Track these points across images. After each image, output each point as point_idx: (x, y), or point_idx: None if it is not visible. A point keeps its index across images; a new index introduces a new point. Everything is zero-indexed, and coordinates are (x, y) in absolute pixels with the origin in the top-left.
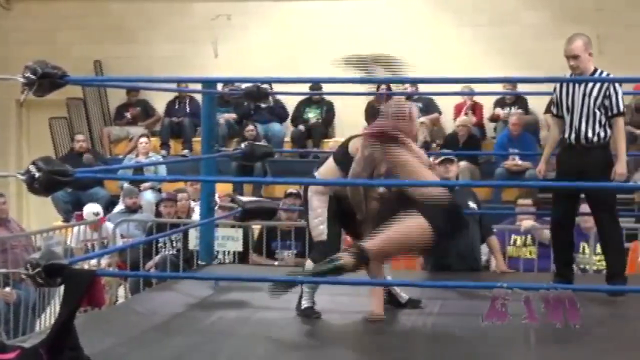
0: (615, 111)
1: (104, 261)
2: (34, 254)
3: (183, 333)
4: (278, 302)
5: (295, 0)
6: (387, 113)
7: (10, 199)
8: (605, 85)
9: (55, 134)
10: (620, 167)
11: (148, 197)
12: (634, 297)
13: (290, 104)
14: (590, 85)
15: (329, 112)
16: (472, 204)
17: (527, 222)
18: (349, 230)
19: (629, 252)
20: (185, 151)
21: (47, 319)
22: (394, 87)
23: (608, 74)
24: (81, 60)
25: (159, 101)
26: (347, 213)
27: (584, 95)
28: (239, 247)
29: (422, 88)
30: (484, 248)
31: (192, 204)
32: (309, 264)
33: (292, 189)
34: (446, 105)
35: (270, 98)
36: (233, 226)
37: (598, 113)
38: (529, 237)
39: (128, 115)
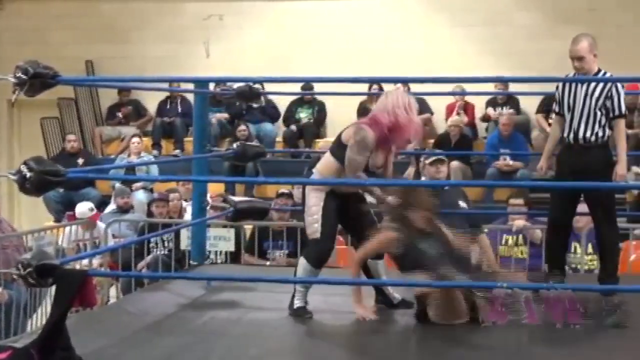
0: (617, 112)
1: (96, 261)
2: (26, 254)
3: (175, 333)
4: (270, 302)
5: (287, 1)
6: (385, 104)
7: (1, 199)
8: (608, 86)
9: (46, 134)
10: (621, 169)
11: (140, 197)
12: (628, 297)
13: (282, 104)
14: (592, 85)
15: (320, 112)
16: (462, 204)
17: (518, 222)
18: (347, 226)
19: (621, 252)
20: (177, 151)
21: (39, 319)
22: (385, 88)
23: (611, 75)
24: (73, 60)
25: (151, 101)
26: (345, 209)
27: (585, 95)
28: (230, 247)
29: (414, 88)
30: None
31: (184, 204)
32: (302, 261)
33: (283, 189)
34: (438, 105)
35: (262, 98)
36: (225, 226)
37: (599, 113)
38: (520, 236)
39: (120, 115)
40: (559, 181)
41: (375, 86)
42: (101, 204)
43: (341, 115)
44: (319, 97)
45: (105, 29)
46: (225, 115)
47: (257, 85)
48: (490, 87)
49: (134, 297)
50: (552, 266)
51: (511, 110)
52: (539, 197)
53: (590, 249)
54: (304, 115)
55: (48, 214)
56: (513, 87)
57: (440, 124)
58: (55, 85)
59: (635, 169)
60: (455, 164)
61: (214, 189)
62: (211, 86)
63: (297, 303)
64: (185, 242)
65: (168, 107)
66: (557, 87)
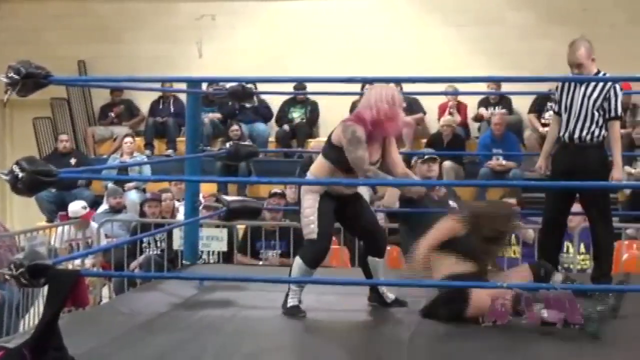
0: (612, 114)
1: (88, 261)
2: (18, 255)
3: (167, 332)
4: (263, 301)
5: (280, 0)
6: (368, 99)
7: None
8: (607, 87)
9: (39, 134)
10: (618, 173)
11: (132, 197)
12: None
13: (275, 103)
14: (591, 86)
15: (313, 112)
16: (452, 203)
17: None
18: (347, 226)
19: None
20: (170, 151)
21: (31, 319)
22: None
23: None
24: (65, 60)
25: (143, 101)
26: (342, 209)
27: (583, 96)
28: (223, 247)
29: (407, 87)
30: None
31: (177, 203)
32: (297, 261)
33: (276, 189)
34: (430, 105)
35: (255, 98)
36: (217, 226)
37: (596, 114)
38: (512, 236)
39: (112, 115)
40: (554, 180)
41: (367, 86)
42: (94, 203)
43: (334, 115)
44: (312, 97)
45: (97, 29)
46: (218, 115)
47: (249, 85)
48: (482, 86)
49: (126, 297)
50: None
51: (503, 110)
52: (532, 197)
53: (582, 249)
54: (296, 115)
55: (40, 214)
56: (505, 87)
57: (433, 123)
58: (48, 85)
59: (627, 168)
60: (447, 163)
61: (207, 189)
62: (204, 86)
63: (291, 302)
64: (177, 242)
65: (160, 107)
66: (556, 87)
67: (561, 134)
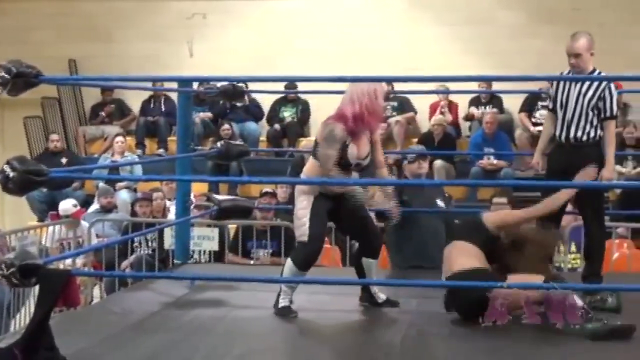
0: (608, 114)
1: (79, 261)
2: (9, 254)
3: (159, 332)
4: (254, 301)
5: (271, 0)
6: (350, 94)
7: None
8: (601, 87)
9: (29, 134)
10: (608, 172)
11: (123, 196)
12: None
13: (266, 103)
14: (586, 85)
15: (304, 111)
16: (440, 202)
17: None
18: (341, 227)
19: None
20: (161, 150)
21: (22, 319)
22: None
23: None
24: (56, 60)
25: (134, 100)
26: (336, 210)
27: (578, 94)
28: (214, 246)
29: (398, 87)
30: None
31: (168, 203)
32: (289, 263)
33: (267, 188)
34: (422, 104)
35: (246, 97)
36: (209, 225)
37: (591, 114)
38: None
39: (103, 114)
40: (550, 179)
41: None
42: (85, 203)
43: (325, 114)
44: (303, 96)
45: (88, 28)
46: (209, 114)
47: (240, 84)
48: (473, 85)
49: (117, 297)
50: None
51: (494, 110)
52: (523, 196)
53: (573, 248)
54: (287, 114)
55: (31, 213)
56: (496, 86)
57: (424, 123)
58: (38, 85)
59: (618, 167)
60: (438, 162)
61: (198, 188)
62: (195, 85)
63: (282, 302)
64: (168, 242)
65: (152, 106)
66: (552, 84)
67: (557, 132)
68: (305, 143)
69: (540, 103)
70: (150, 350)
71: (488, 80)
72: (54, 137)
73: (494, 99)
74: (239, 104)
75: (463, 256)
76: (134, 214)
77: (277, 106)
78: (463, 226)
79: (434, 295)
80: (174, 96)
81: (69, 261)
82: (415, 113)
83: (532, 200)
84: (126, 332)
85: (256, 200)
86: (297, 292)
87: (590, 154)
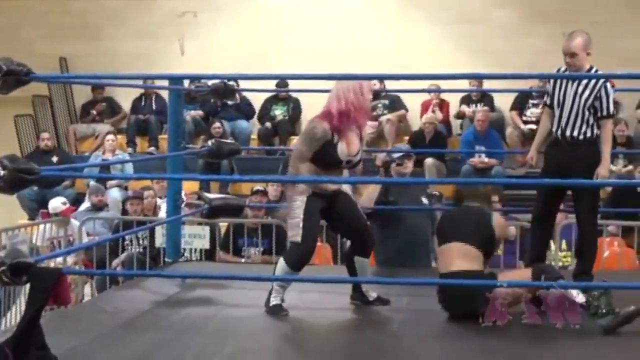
0: (605, 113)
1: (70, 259)
2: None
3: (150, 331)
4: (245, 300)
5: None
6: (336, 91)
7: None
8: (597, 86)
9: (20, 132)
10: (603, 170)
11: (114, 194)
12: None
13: (257, 101)
14: (582, 84)
15: (295, 109)
16: (424, 200)
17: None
18: (334, 226)
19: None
20: (152, 149)
21: (13, 317)
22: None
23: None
24: (47, 58)
25: (125, 98)
26: (330, 209)
27: (575, 93)
28: (205, 244)
29: (389, 85)
30: None
31: (159, 201)
32: (281, 263)
33: (258, 187)
34: (413, 102)
35: (237, 95)
36: (200, 224)
37: (587, 113)
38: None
39: (94, 112)
40: (545, 177)
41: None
42: (75, 201)
43: (316, 112)
44: (294, 94)
45: (79, 26)
46: (200, 112)
47: (231, 83)
48: (465, 84)
49: (108, 295)
50: (532, 260)
51: (485, 108)
52: (513, 194)
53: (564, 246)
54: (278, 112)
55: (22, 211)
56: (487, 85)
57: (416, 121)
58: (29, 83)
59: (610, 166)
60: (429, 161)
61: (189, 187)
62: (186, 83)
63: (274, 301)
64: (160, 240)
65: (142, 104)
66: (549, 81)
67: (554, 128)
68: (296, 141)
69: (531, 101)
70: (141, 349)
71: (478, 78)
72: (45, 135)
73: (485, 97)
74: (230, 102)
75: (461, 258)
76: (125, 212)
77: (268, 104)
78: (465, 221)
79: (425, 293)
80: (165, 94)
81: (59, 259)
82: (407, 111)
83: (523, 198)
84: (117, 330)
85: (247, 198)
86: (288, 290)
87: (586, 151)
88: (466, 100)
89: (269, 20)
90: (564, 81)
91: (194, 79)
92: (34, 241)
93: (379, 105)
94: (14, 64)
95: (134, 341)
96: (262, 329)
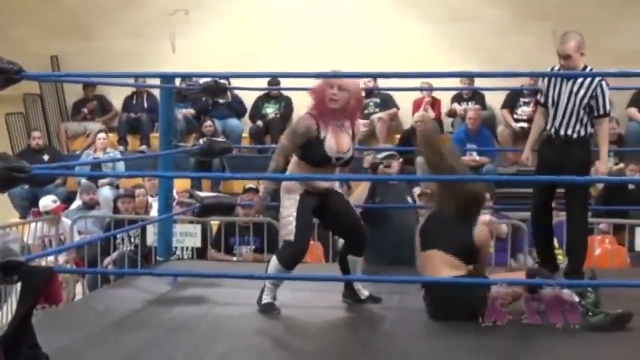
0: (601, 112)
1: (62, 258)
2: None
3: (141, 329)
4: (237, 298)
5: None
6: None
7: None
8: (593, 86)
9: (11, 130)
10: (603, 166)
11: (106, 193)
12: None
13: (248, 99)
14: (578, 84)
15: (287, 108)
16: (409, 199)
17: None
18: (327, 224)
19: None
20: (143, 147)
21: (4, 316)
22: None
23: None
24: (38, 56)
25: (116, 97)
26: (323, 207)
27: (570, 92)
28: (197, 243)
29: (381, 83)
30: None
31: (150, 199)
32: (274, 261)
33: (250, 185)
34: (405, 100)
35: (228, 93)
36: (191, 222)
37: (582, 112)
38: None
39: (85, 110)
40: (541, 174)
41: None
42: (67, 200)
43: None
44: (286, 93)
45: (70, 25)
46: (192, 110)
47: (223, 81)
48: (456, 82)
49: (100, 294)
50: (543, 263)
51: (477, 106)
52: (505, 192)
53: (555, 244)
54: (270, 110)
55: (13, 210)
56: (479, 83)
57: (407, 119)
58: (20, 81)
59: None
60: (420, 159)
61: (180, 185)
62: (177, 81)
63: (266, 299)
64: (151, 238)
65: (134, 102)
66: (542, 79)
67: (547, 127)
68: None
69: (522, 99)
70: (133, 347)
71: (470, 76)
72: (36, 134)
73: (476, 96)
74: (221, 101)
75: (446, 268)
76: (116, 210)
77: (259, 103)
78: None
79: (416, 291)
80: (156, 92)
81: (51, 258)
82: (398, 109)
83: (514, 196)
84: (108, 329)
85: (239, 196)
86: (280, 288)
87: (579, 151)
88: (457, 99)
89: (260, 19)
90: (559, 80)
91: (185, 77)
92: (25, 240)
93: (371, 103)
94: (5, 62)
95: (125, 340)
96: (254, 327)
